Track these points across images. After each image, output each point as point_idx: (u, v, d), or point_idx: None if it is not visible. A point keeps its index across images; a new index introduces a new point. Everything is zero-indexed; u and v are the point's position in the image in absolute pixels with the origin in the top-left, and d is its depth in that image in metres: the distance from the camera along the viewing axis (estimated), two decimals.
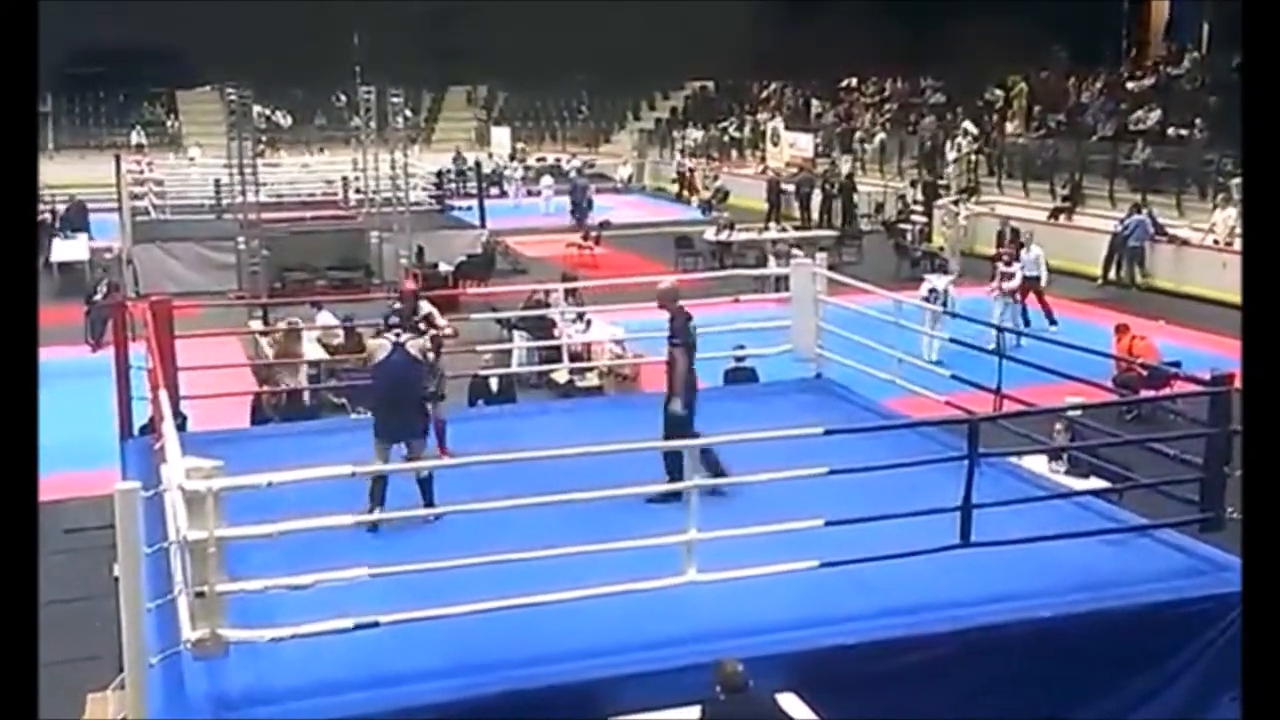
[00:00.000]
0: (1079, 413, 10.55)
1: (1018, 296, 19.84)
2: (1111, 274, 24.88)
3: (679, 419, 8.88)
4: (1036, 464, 10.22)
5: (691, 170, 41.73)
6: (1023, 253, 21.49)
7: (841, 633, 7.06)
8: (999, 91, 34.88)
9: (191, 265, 24.67)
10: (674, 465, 8.26)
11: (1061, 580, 7.59)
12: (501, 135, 47.52)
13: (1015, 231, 25.60)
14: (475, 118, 52.06)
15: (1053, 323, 19.63)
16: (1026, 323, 19.24)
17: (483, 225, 27.61)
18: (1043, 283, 20.82)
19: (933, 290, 17.87)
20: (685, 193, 40.80)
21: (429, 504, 7.96)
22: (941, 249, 27.04)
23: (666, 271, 25.02)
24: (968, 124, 32.58)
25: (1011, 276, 19.81)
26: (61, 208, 30.15)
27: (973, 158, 31.92)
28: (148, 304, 10.95)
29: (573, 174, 39.69)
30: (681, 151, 43.94)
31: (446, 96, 53.14)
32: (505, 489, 6.97)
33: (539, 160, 44.94)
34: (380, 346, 8.69)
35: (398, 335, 8.75)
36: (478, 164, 35.41)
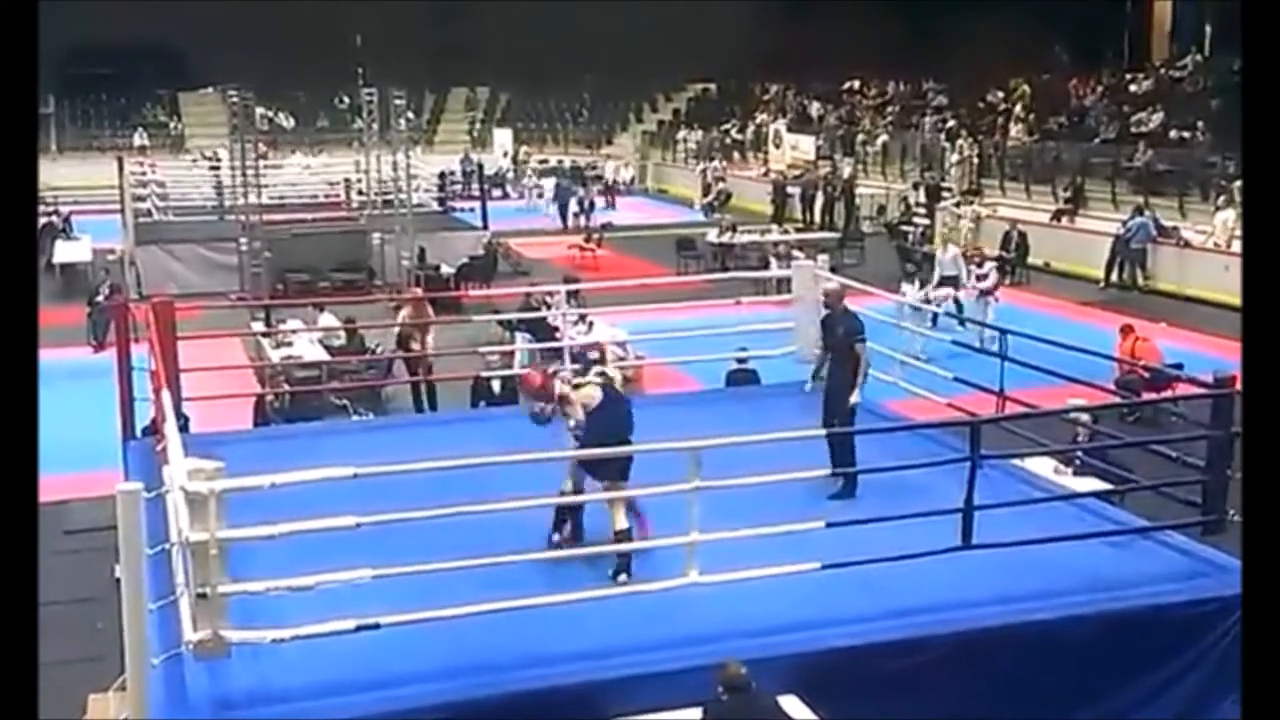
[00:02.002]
0: (1084, 415, 10.52)
1: (997, 297, 19.86)
2: (1114, 276, 24.88)
3: (855, 411, 9.42)
4: (1043, 468, 10.19)
5: (720, 178, 39.51)
6: (939, 253, 21.48)
7: (843, 635, 7.06)
8: (1001, 94, 34.89)
9: (194, 267, 24.65)
10: (845, 457, 8.71)
11: (1064, 582, 7.59)
12: (504, 137, 47.53)
13: (1023, 235, 25.67)
14: (474, 119, 52.02)
15: (961, 324, 18.32)
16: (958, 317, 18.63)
17: (485, 227, 27.61)
18: (961, 280, 20.78)
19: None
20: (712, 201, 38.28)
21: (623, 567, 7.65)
22: None
23: (669, 273, 25.09)
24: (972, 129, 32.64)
25: (985, 277, 19.86)
26: (65, 209, 30.27)
27: (974, 160, 31.94)
28: (150, 305, 10.96)
29: (560, 176, 39.32)
30: (708, 156, 43.03)
31: (449, 98, 53.14)
32: (509, 490, 6.97)
33: (541, 162, 44.94)
34: (592, 394, 8.04)
35: (603, 377, 8.26)
36: (479, 165, 35.43)
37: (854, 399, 9.43)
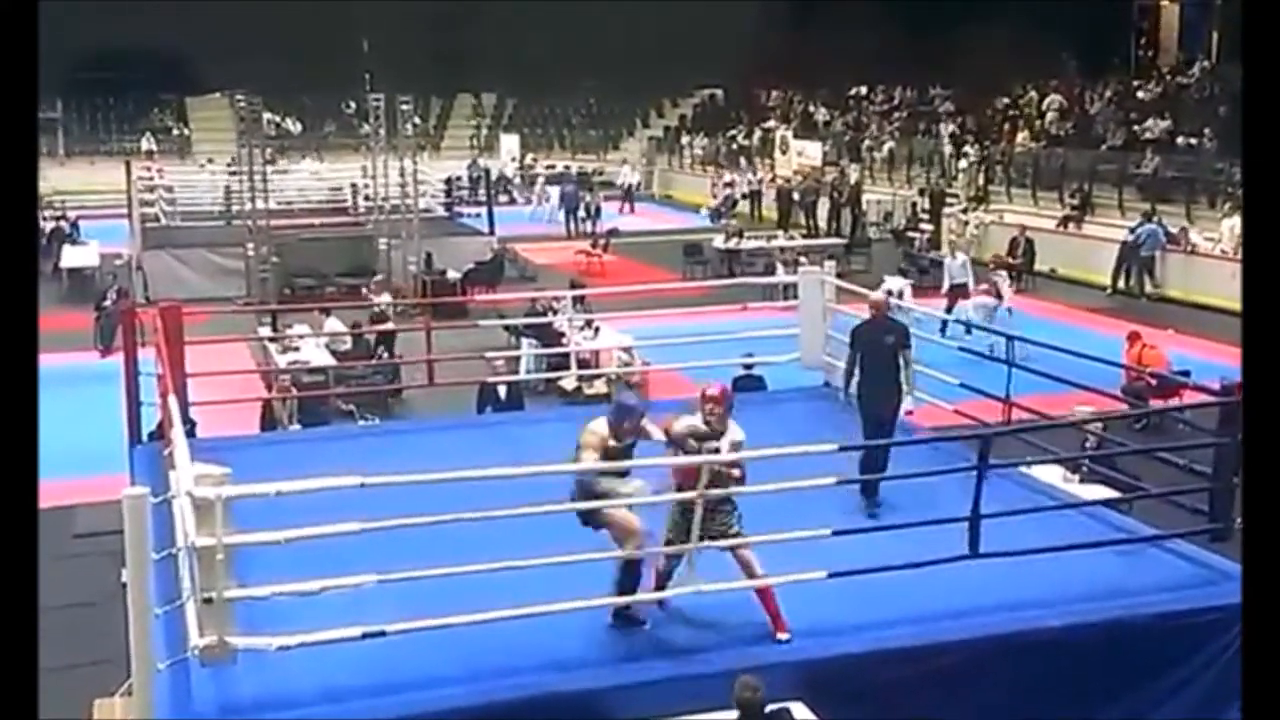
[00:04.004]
0: (1092, 423, 10.50)
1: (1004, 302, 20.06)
2: (1121, 283, 24.83)
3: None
4: (1051, 476, 10.16)
5: (756, 191, 37.95)
6: (948, 259, 21.55)
7: (849, 642, 7.05)
8: (1007, 100, 34.87)
9: (201, 271, 24.72)
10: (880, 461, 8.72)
11: (1071, 590, 7.58)
12: (510, 142, 47.57)
13: (1029, 241, 25.67)
14: (481, 125, 52.08)
15: (968, 331, 17.80)
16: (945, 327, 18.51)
17: (491, 232, 27.64)
18: (970, 286, 20.80)
19: (889, 293, 17.52)
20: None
21: None
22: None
23: (675, 279, 25.09)
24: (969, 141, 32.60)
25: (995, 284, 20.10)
26: (73, 214, 30.37)
27: (981, 166, 31.94)
28: (157, 310, 10.98)
29: (566, 182, 39.25)
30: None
31: (455, 104, 53.22)
32: (514, 496, 6.96)
33: (548, 168, 44.98)
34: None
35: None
36: (486, 171, 35.47)
37: (909, 404, 9.43)
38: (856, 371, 9.56)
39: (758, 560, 7.17)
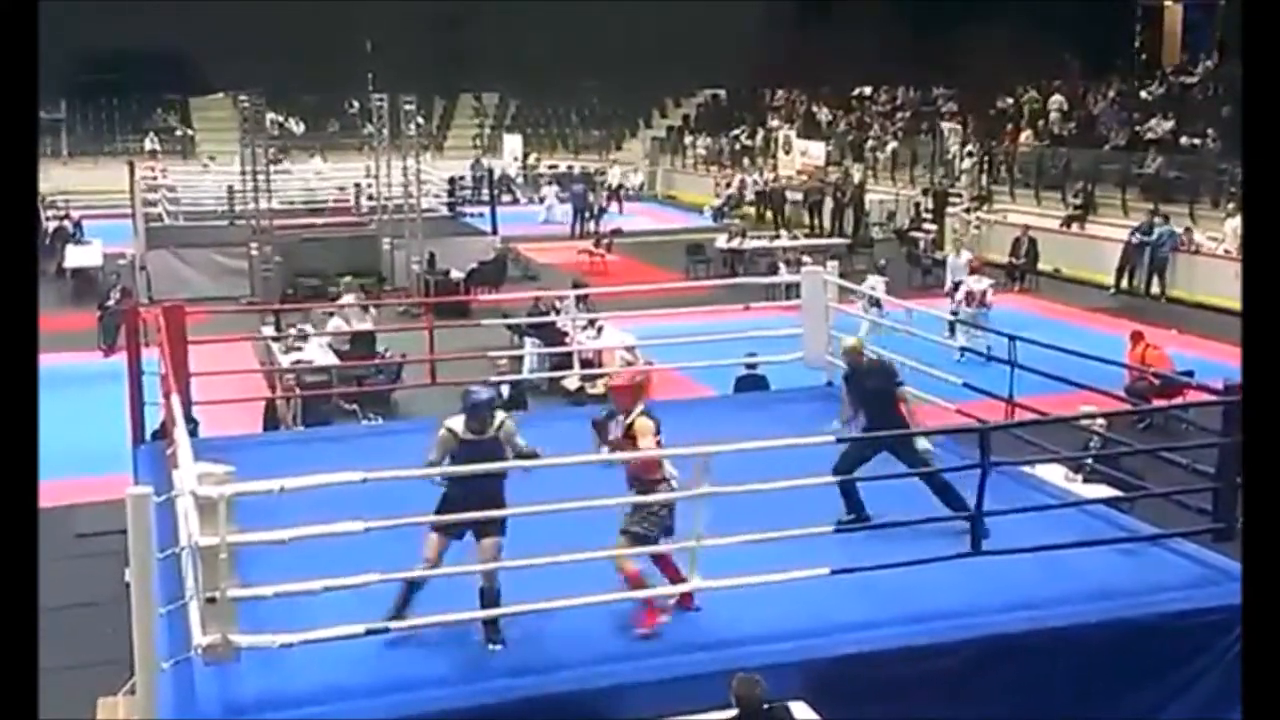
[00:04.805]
0: (1094, 421, 10.48)
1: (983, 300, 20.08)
2: (1124, 283, 24.79)
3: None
4: (1054, 475, 10.15)
5: (759, 192, 36.79)
6: (950, 258, 21.57)
7: (852, 641, 7.05)
8: (1011, 100, 34.84)
9: (204, 271, 24.73)
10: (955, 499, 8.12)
11: (1074, 589, 7.58)
12: (514, 143, 47.58)
13: (1033, 241, 25.64)
14: (484, 125, 52.07)
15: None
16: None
17: (494, 232, 27.65)
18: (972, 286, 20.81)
19: (870, 290, 17.29)
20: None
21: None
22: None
23: (678, 279, 25.09)
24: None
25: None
26: (76, 214, 30.37)
27: (984, 166, 31.93)
28: (160, 309, 11.00)
29: (571, 182, 39.21)
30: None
31: (459, 104, 53.23)
32: (514, 495, 6.98)
33: (550, 168, 45.01)
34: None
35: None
36: (489, 171, 35.45)
37: (924, 444, 8.76)
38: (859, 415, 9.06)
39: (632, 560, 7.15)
